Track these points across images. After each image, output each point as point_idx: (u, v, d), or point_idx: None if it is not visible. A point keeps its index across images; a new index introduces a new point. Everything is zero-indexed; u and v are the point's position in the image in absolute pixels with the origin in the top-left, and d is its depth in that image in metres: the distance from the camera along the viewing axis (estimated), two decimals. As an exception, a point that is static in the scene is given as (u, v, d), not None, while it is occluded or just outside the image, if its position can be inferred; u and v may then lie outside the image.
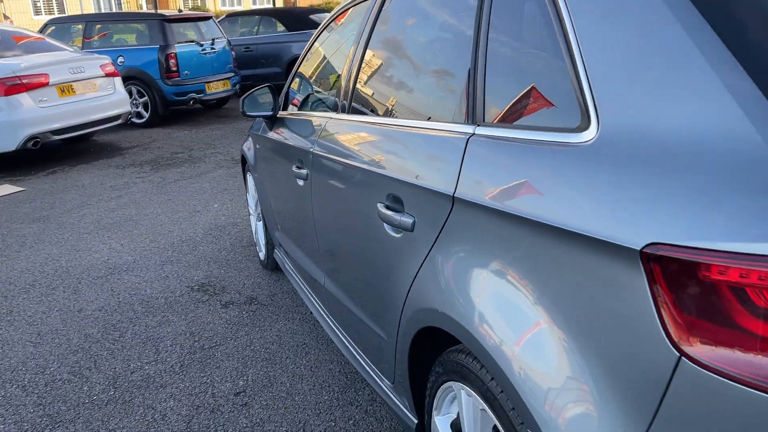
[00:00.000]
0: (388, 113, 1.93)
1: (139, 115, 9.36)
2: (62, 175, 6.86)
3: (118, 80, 7.80)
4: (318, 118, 2.48)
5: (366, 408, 2.53)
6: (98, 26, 9.50)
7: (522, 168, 1.23)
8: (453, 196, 1.40)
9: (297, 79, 3.05)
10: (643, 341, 0.94)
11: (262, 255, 4.02)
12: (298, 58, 3.11)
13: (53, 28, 9.69)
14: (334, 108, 2.34)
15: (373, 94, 2.07)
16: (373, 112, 2.03)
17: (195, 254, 4.38)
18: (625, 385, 0.97)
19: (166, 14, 9.25)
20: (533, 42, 1.35)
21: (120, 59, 9.04)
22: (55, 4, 29.86)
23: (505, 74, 1.41)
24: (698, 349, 0.87)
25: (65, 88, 7.06)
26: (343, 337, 2.42)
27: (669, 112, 0.99)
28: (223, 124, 9.46)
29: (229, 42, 9.95)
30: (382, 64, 2.06)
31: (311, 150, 2.39)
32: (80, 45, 9.36)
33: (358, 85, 2.16)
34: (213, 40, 9.51)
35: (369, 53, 2.13)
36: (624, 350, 0.97)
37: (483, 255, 1.31)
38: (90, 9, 29.26)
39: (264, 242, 3.87)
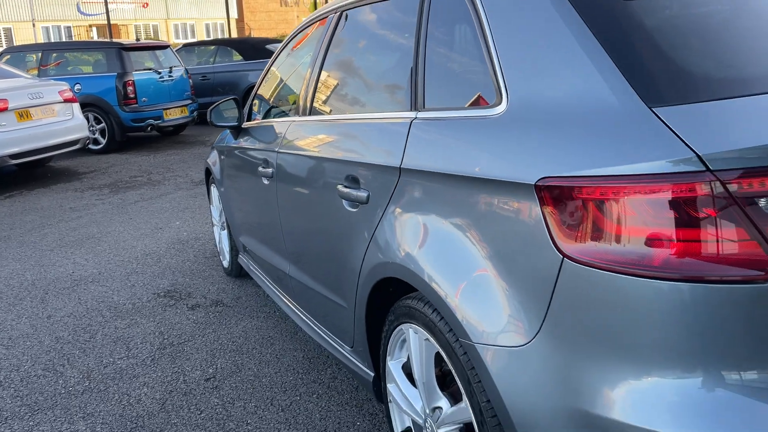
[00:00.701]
0: (344, 111, 2.24)
1: (96, 142, 9.46)
2: (20, 199, 6.92)
3: (76, 106, 7.92)
4: (281, 123, 2.77)
5: (328, 384, 2.78)
6: (54, 55, 9.61)
7: (451, 138, 1.55)
8: (400, 167, 1.71)
9: (261, 91, 3.34)
10: (538, 251, 1.25)
11: (226, 263, 4.24)
12: (254, 85, 3.40)
13: (8, 56, 9.75)
14: (297, 112, 2.63)
15: (331, 96, 2.38)
16: (332, 111, 2.34)
17: (159, 265, 4.56)
18: (528, 286, 1.28)
19: (124, 43, 9.44)
20: (460, 44, 1.69)
21: (77, 86, 9.16)
22: (3, 38, 29.53)
23: (439, 70, 1.74)
24: (575, 249, 1.19)
25: (23, 113, 7.16)
26: (307, 319, 2.67)
27: (555, 85, 1.32)
28: (181, 149, 9.63)
29: (186, 70, 10.18)
30: (338, 70, 2.38)
31: (276, 150, 2.67)
32: (36, 74, 9.44)
33: (318, 90, 2.47)
34: (171, 68, 9.73)
35: (327, 62, 2.44)
36: (525, 261, 1.28)
37: (424, 211, 1.61)
38: (39, 41, 29.00)
39: (228, 249, 4.10)
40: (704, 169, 1.07)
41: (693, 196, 1.08)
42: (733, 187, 1.06)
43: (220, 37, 34.02)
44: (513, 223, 1.33)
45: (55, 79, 8.71)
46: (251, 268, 3.59)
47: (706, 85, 1.18)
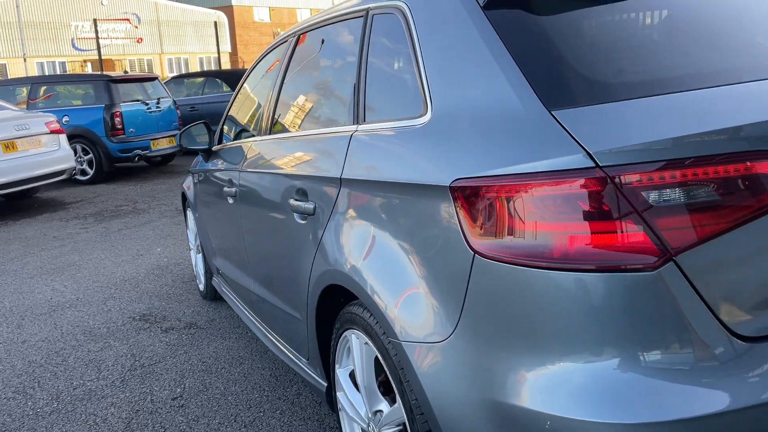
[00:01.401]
0: (299, 128, 2.32)
1: (83, 172, 9.54)
2: (5, 229, 6.96)
3: (63, 137, 8.02)
4: (245, 143, 2.85)
5: (292, 400, 2.81)
6: (43, 88, 9.75)
7: (383, 148, 1.63)
8: (340, 178, 1.78)
9: (230, 114, 3.43)
10: (454, 250, 1.31)
11: (201, 286, 4.28)
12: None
13: (-2, 90, 9.88)
14: (259, 132, 2.72)
15: (287, 115, 2.47)
16: (287, 130, 2.42)
17: (137, 291, 4.59)
18: (447, 284, 1.34)
19: (112, 75, 9.59)
20: (396, 64, 1.78)
21: (65, 119, 9.27)
22: (-3, 72, 29.81)
23: (378, 86, 1.83)
24: (484, 246, 1.25)
25: (9, 145, 7.25)
26: (269, 335, 2.72)
27: (473, 94, 1.40)
28: (167, 179, 9.71)
29: (174, 101, 10.33)
30: (294, 90, 2.47)
31: (239, 169, 2.74)
32: (25, 107, 9.57)
33: (277, 111, 2.55)
34: (158, 99, 9.87)
35: (286, 83, 2.54)
36: (444, 260, 1.34)
37: (360, 218, 1.68)
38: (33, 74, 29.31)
39: (203, 272, 4.14)
40: (594, 165, 1.14)
41: (585, 191, 1.14)
42: (620, 182, 1.13)
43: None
44: (433, 225, 1.39)
45: (44, 112, 8.82)
46: (223, 289, 3.63)
47: (601, 89, 1.26)
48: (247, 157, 2.70)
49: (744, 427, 1.10)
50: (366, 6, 1.96)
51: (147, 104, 9.67)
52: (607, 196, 1.13)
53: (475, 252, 1.26)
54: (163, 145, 9.81)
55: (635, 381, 1.12)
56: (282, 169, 2.27)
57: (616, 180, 1.13)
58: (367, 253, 1.62)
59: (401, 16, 1.73)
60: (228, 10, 40.33)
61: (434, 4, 1.62)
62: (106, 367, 3.33)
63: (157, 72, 32.57)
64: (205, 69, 36.73)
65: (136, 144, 9.41)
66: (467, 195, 1.29)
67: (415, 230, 1.46)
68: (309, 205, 1.96)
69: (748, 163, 1.13)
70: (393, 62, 1.79)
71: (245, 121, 3.14)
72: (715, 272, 1.14)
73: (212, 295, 4.17)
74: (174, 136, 10.04)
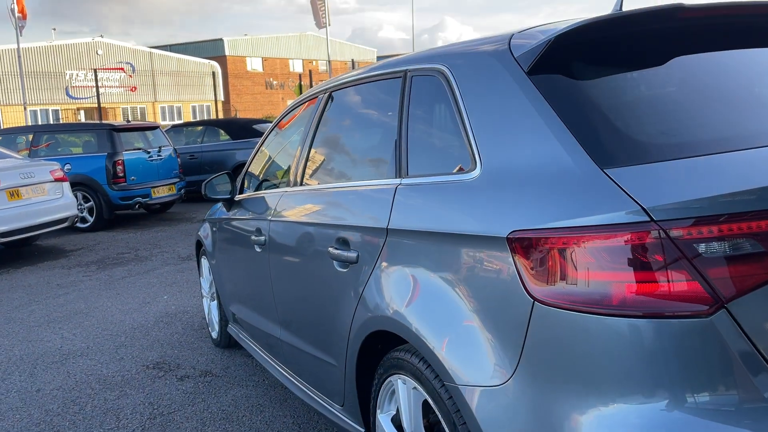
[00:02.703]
0: (334, 181, 2.43)
1: (83, 220, 9.57)
2: (6, 277, 6.95)
3: (66, 185, 8.09)
4: (273, 194, 2.95)
5: (318, 448, 2.83)
6: (45, 136, 9.86)
7: (433, 200, 1.73)
8: (387, 228, 1.88)
9: (253, 166, 3.54)
10: (512, 297, 1.40)
11: (215, 334, 4.31)
12: (242, 163, 3.64)
13: (0, 138, 9.98)
14: (288, 184, 2.82)
15: (321, 168, 2.58)
16: (322, 182, 2.53)
17: (148, 338, 4.60)
18: (505, 329, 1.42)
19: (115, 124, 9.74)
20: (438, 120, 1.90)
21: (67, 167, 9.35)
22: (-9, 120, 29.97)
23: (421, 142, 1.94)
24: (543, 293, 1.34)
25: (14, 192, 7.30)
26: (298, 382, 2.76)
27: (522, 152, 1.52)
28: (168, 226, 9.76)
29: (175, 150, 10.47)
30: (328, 144, 2.58)
31: (269, 218, 2.83)
32: (26, 154, 9.66)
33: (309, 163, 2.66)
34: (160, 147, 10.01)
35: (318, 137, 2.65)
36: (501, 306, 1.43)
37: (410, 266, 1.77)
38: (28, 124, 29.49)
39: (217, 320, 4.18)
40: (649, 219, 1.24)
41: (641, 243, 1.25)
42: (674, 234, 1.23)
43: (206, 118, 34.86)
44: (489, 273, 1.49)
45: (46, 160, 8.91)
46: (241, 336, 3.67)
47: (650, 149, 1.38)
48: (278, 207, 2.80)
49: None
50: (404, 68, 2.10)
51: (149, 152, 9.80)
52: (661, 248, 1.23)
53: (535, 299, 1.35)
54: (163, 192, 9.90)
55: (686, 422, 1.20)
56: (318, 219, 2.36)
57: (670, 233, 1.23)
58: (418, 299, 1.70)
59: (443, 78, 1.86)
60: (221, 60, 41.08)
61: (477, 69, 1.76)
62: (125, 416, 3.33)
63: (150, 120, 32.88)
64: (198, 117, 37.16)
65: (137, 192, 9.50)
66: (525, 246, 1.39)
67: (469, 279, 1.55)
68: (352, 254, 2.05)
69: (787, 218, 1.24)
70: (436, 120, 1.91)
71: (271, 174, 3.25)
72: (764, 319, 1.23)
73: (226, 343, 4.19)
74: (174, 184, 10.14)
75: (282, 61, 46.65)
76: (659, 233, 1.24)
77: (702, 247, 1.23)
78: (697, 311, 1.21)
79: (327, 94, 2.68)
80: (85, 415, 3.38)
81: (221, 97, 38.24)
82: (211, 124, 12.52)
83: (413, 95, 2.02)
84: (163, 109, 36.91)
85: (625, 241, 1.26)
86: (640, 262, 1.25)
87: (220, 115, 34.27)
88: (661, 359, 1.23)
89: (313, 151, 2.67)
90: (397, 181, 1.95)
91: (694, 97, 1.57)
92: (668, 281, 1.23)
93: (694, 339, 1.21)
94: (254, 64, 44.60)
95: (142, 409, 3.39)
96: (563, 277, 1.32)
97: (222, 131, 12.09)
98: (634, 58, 1.61)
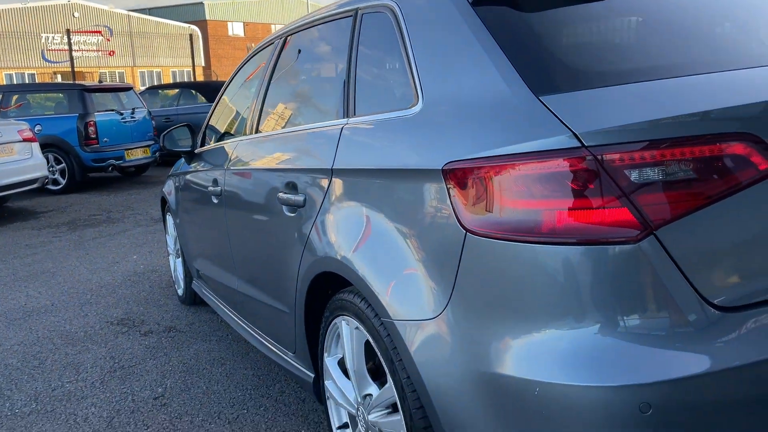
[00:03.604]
0: (286, 126, 2.38)
1: (55, 182, 9.41)
2: (-26, 237, 6.83)
3: (35, 145, 7.92)
4: (230, 144, 2.89)
5: (276, 398, 2.82)
6: (15, 96, 9.63)
7: (375, 138, 1.69)
8: (332, 168, 1.84)
9: (213, 118, 3.46)
10: (446, 229, 1.38)
11: (180, 291, 4.27)
12: None
13: (-32, 98, 9.73)
14: (244, 132, 2.76)
15: (275, 114, 2.52)
16: (276, 128, 2.47)
17: (114, 296, 4.56)
18: (439, 262, 1.40)
19: (87, 84, 9.52)
20: (386, 59, 1.85)
21: (38, 127, 9.16)
22: (-37, 83, 29.24)
23: (368, 81, 1.89)
24: (475, 223, 1.32)
25: (-19, 152, 7.14)
26: (254, 333, 2.74)
27: (463, 84, 1.48)
28: (142, 189, 9.63)
29: (149, 112, 10.28)
30: (281, 89, 2.52)
31: (224, 168, 2.78)
32: (-4, 115, 9.44)
33: (263, 110, 2.60)
34: (133, 109, 9.82)
35: (273, 83, 2.59)
36: (436, 239, 1.41)
37: (353, 205, 1.74)
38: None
39: (182, 277, 4.14)
40: (580, 145, 1.21)
41: (571, 170, 1.22)
42: (604, 161, 1.20)
43: (186, 84, 34.23)
44: (426, 207, 1.46)
45: (16, 120, 8.71)
46: (204, 291, 3.64)
47: (583, 77, 1.34)
48: (233, 156, 2.74)
49: (714, 390, 1.17)
50: (355, 6, 2.03)
51: (122, 114, 9.61)
52: (592, 174, 1.21)
53: (467, 230, 1.33)
54: (137, 155, 9.75)
55: (615, 346, 1.19)
56: (270, 165, 2.32)
57: (601, 159, 1.20)
58: (360, 238, 1.67)
59: (391, 14, 1.80)
60: (202, 25, 40.27)
61: (424, 3, 1.70)
62: (84, 369, 3.30)
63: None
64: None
65: (110, 154, 9.34)
66: (459, 177, 1.35)
67: (407, 214, 1.52)
68: (299, 197, 2.01)
69: (721, 145, 1.22)
70: (383, 58, 1.86)
71: (230, 123, 3.18)
72: (692, 246, 1.21)
73: (191, 300, 4.16)
74: (149, 146, 9.98)
75: (264, 26, 45.85)
76: (590, 159, 1.21)
77: (632, 174, 1.20)
78: (627, 237, 1.19)
79: (282, 39, 2.61)
80: (45, 368, 3.34)
81: (201, 62, 37.58)
82: (187, 87, 12.29)
83: (362, 34, 1.96)
84: (142, 74, 36.24)
85: (556, 168, 1.23)
86: (570, 189, 1.22)
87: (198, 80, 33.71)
88: (591, 285, 1.21)
89: (268, 97, 2.60)
90: (344, 121, 1.91)
91: (632, 26, 1.53)
92: (598, 208, 1.21)
93: (623, 265, 1.20)
94: (236, 29, 43.80)
95: (103, 363, 3.37)
96: (495, 207, 1.30)
97: (198, 94, 11.88)
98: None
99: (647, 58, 1.42)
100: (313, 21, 2.36)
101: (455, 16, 1.56)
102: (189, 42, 31.07)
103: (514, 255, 1.26)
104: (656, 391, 1.14)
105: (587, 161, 1.21)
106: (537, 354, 1.24)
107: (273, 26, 46.41)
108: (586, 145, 1.21)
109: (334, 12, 2.18)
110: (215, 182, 2.90)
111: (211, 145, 3.25)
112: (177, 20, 38.90)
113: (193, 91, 12.02)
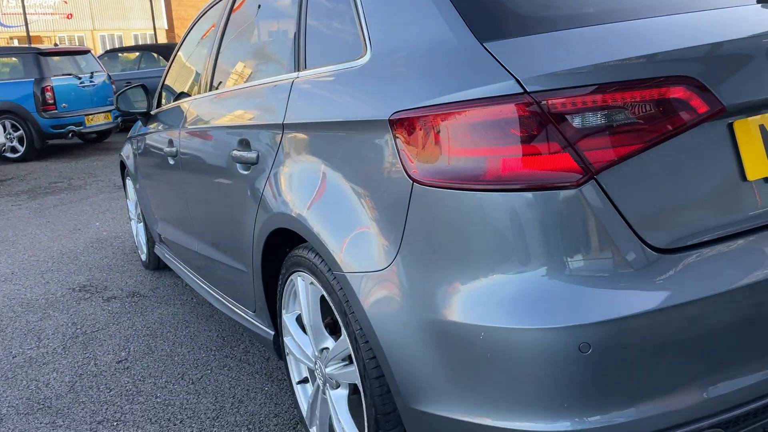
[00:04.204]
0: (239, 82, 2.33)
1: (13, 150, 9.16)
2: (-71, 207, 6.64)
3: (-10, 112, 7.67)
4: (185, 103, 2.82)
5: (240, 357, 2.83)
6: (-34, 61, 9.27)
7: (324, 90, 1.66)
8: (282, 123, 1.81)
9: (169, 77, 3.37)
10: (394, 180, 1.37)
11: (143, 256, 4.22)
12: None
13: None
14: (198, 91, 2.70)
15: (227, 70, 2.47)
16: (228, 84, 2.42)
17: (76, 263, 4.49)
18: (388, 213, 1.40)
19: (41, 47, 9.19)
20: (334, 12, 1.81)
21: (-9, 93, 8.87)
22: None
23: (317, 36, 1.86)
24: (421, 173, 1.31)
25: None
26: (215, 294, 2.73)
27: (410, 33, 1.46)
28: (104, 155, 9.43)
29: (109, 76, 9.99)
30: (233, 45, 2.46)
31: (179, 128, 2.72)
32: (-54, 80, 9.09)
33: (216, 67, 2.54)
34: (92, 73, 9.53)
35: (225, 40, 2.53)
36: (385, 191, 1.40)
37: (305, 160, 1.72)
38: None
39: (145, 241, 4.09)
40: (522, 91, 1.21)
41: (513, 116, 1.22)
42: (546, 106, 1.20)
43: (149, 47, 33.29)
44: (374, 160, 1.45)
45: (-33, 86, 8.41)
46: (166, 255, 3.60)
47: (528, 22, 1.33)
48: (188, 116, 2.69)
49: (651, 330, 1.20)
50: (304, -43, 1.98)
51: (80, 78, 9.33)
52: (533, 120, 1.21)
53: (413, 180, 1.32)
54: (98, 120, 9.51)
55: (555, 289, 1.21)
56: (223, 122, 2.28)
57: (542, 104, 1.20)
58: (312, 193, 1.66)
59: None
60: (163, -14, 38.93)
61: None
62: (46, 336, 3.26)
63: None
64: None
65: (70, 120, 9.09)
66: (405, 126, 1.34)
67: (357, 167, 1.50)
68: (252, 154, 1.98)
69: (661, 89, 1.22)
70: (332, 10, 1.82)
71: (184, 82, 3.11)
72: (632, 190, 1.23)
73: (155, 264, 4.12)
74: (110, 111, 9.74)
75: (228, -14, 44.53)
76: (532, 105, 1.20)
77: (574, 119, 1.20)
78: (569, 182, 1.20)
79: (233, -6, 2.54)
80: (5, 336, 3.30)
81: (164, 25, 36.50)
82: (148, 50, 11.95)
83: (312, -7, 1.91)
84: (103, 37, 35.08)
85: (498, 114, 1.22)
86: (513, 136, 1.22)
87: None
88: (534, 231, 1.22)
89: (220, 55, 2.54)
90: (294, 75, 1.87)
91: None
92: (540, 154, 1.21)
93: (564, 209, 1.21)
94: (199, -10, 42.47)
95: (65, 329, 3.33)
96: (440, 156, 1.29)
97: (160, 57, 11.57)
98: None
99: (590, 3, 1.41)
100: (263, -26, 2.29)
101: None
102: (155, 4, 30.10)
103: (460, 203, 1.26)
104: (595, 331, 1.16)
105: (529, 107, 1.21)
106: (482, 299, 1.25)
107: (237, -13, 45.14)
108: (528, 90, 1.21)
109: (284, -36, 2.13)
110: (170, 143, 2.85)
111: (167, 105, 3.18)
112: (137, -19, 37.54)
113: (155, 54, 11.70)
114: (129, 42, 35.94)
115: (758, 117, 1.33)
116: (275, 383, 2.57)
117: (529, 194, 1.21)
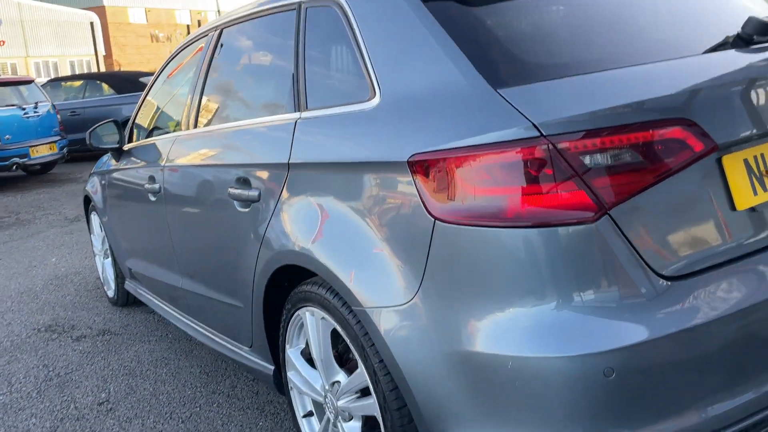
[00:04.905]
0: (230, 120, 2.36)
1: (-48, 184, 8.76)
2: None
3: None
4: (166, 139, 2.82)
5: (228, 393, 2.82)
6: None
7: (334, 131, 1.73)
8: (288, 163, 1.86)
9: (141, 113, 3.36)
10: (414, 218, 1.44)
11: (111, 292, 4.13)
12: (128, 119, 3.45)
13: None
14: (181, 128, 2.70)
15: (215, 108, 2.49)
16: (217, 122, 2.45)
17: (37, 302, 4.35)
18: (408, 249, 1.46)
19: (-18, 78, 8.89)
20: (336, 52, 1.88)
21: (-72, 126, 8.50)
22: None
23: (318, 75, 1.92)
24: (443, 211, 1.39)
25: None
26: (202, 329, 2.71)
27: (419, 78, 1.54)
28: (51, 188, 9.14)
29: (53, 105, 9.73)
30: (221, 83, 2.49)
31: (162, 165, 2.72)
32: None
33: (202, 105, 2.56)
34: (36, 103, 9.27)
35: (210, 77, 2.55)
36: (404, 228, 1.47)
37: (315, 199, 1.77)
38: None
39: (113, 277, 4.00)
40: (539, 134, 1.30)
41: (532, 157, 1.31)
42: (562, 148, 1.30)
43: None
44: (391, 198, 1.51)
45: None
46: (140, 291, 3.54)
47: (538, 69, 1.44)
48: (171, 152, 2.69)
49: (667, 352, 1.30)
50: (298, 0, 2.05)
51: (24, 109, 9.05)
52: (550, 161, 1.30)
53: (435, 218, 1.40)
54: (43, 152, 9.23)
55: (579, 318, 1.30)
56: (215, 160, 2.30)
57: (558, 147, 1.30)
58: (324, 230, 1.71)
59: (339, 9, 1.83)
60: (100, 11, 38.18)
61: None
62: (17, 380, 3.15)
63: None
64: (78, 73, 34.57)
65: (14, 152, 8.80)
66: (425, 168, 1.42)
67: (372, 204, 1.57)
68: (253, 192, 2.01)
69: (662, 130, 1.34)
70: (333, 52, 1.89)
71: (162, 118, 3.10)
72: (641, 223, 1.34)
73: (124, 301, 4.04)
74: (55, 142, 9.47)
75: (167, 11, 44.04)
76: (549, 147, 1.30)
77: (587, 159, 1.31)
78: (584, 218, 1.30)
79: (217, 32, 2.57)
80: (-28, 383, 3.17)
81: (102, 50, 35.71)
82: (92, 78, 11.70)
83: (309, 27, 1.97)
84: (37, 64, 34.00)
85: (518, 156, 1.31)
86: (531, 176, 1.31)
87: (102, 70, 32.07)
88: (552, 264, 1.31)
89: (206, 91, 2.56)
90: (296, 115, 1.92)
91: (578, 21, 1.64)
92: (558, 192, 1.30)
93: (581, 244, 1.30)
94: (137, 16, 41.82)
95: (36, 372, 3.23)
96: (462, 195, 1.37)
97: (105, 85, 11.34)
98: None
99: (592, 50, 1.54)
100: (251, 14, 2.34)
101: (407, 12, 1.62)
102: (87, 30, 29.44)
103: (482, 240, 1.34)
104: (618, 356, 1.26)
105: (546, 149, 1.30)
106: (508, 330, 1.33)
107: (177, 12, 44.69)
108: (544, 134, 1.30)
109: (274, 5, 2.18)
110: (152, 179, 2.83)
111: (143, 141, 3.16)
112: (72, 6, 36.69)
113: (100, 82, 11.46)
114: (65, 68, 34.96)
115: (741, 152, 1.47)
116: (269, 418, 2.57)
117: (548, 230, 1.31)
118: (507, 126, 1.33)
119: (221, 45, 2.54)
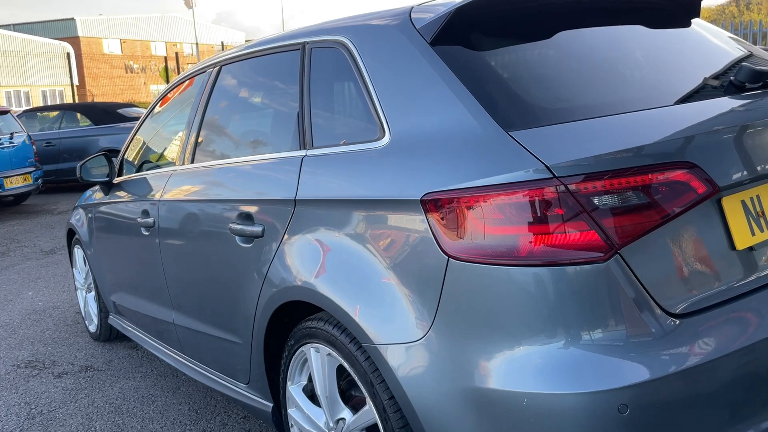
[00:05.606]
0: (229, 156, 2.38)
1: None
2: None
3: None
4: (161, 173, 2.82)
5: (219, 431, 2.77)
6: None
7: (343, 169, 1.76)
8: (294, 199, 1.88)
9: (132, 147, 3.35)
10: (427, 255, 1.47)
11: (93, 327, 4.05)
12: (108, 151, 3.45)
13: None
14: (178, 162, 2.71)
15: (214, 144, 2.51)
16: (216, 158, 2.46)
17: (15, 337, 4.24)
18: (421, 286, 1.49)
19: (-43, 108, 8.76)
20: (342, 91, 1.92)
21: None
22: None
23: (324, 113, 1.96)
24: (457, 249, 1.42)
25: None
26: (194, 366, 2.68)
27: (429, 119, 1.58)
28: (25, 219, 8.97)
29: (29, 136, 9.61)
30: (221, 119, 2.52)
31: (158, 199, 2.71)
32: None
33: (200, 140, 2.58)
34: (11, 134, 9.15)
35: (209, 112, 2.57)
36: (417, 265, 1.50)
37: (322, 235, 1.79)
38: None
39: (96, 312, 3.93)
40: (551, 176, 1.35)
41: (544, 198, 1.35)
42: (573, 189, 1.35)
43: (59, 103, 32.19)
44: (403, 235, 1.54)
45: None
46: (125, 326, 3.49)
47: (547, 113, 1.49)
48: (167, 186, 2.69)
49: (680, 388, 1.34)
50: (303, 40, 2.09)
51: (-2, 139, 8.92)
52: (562, 202, 1.35)
53: (449, 255, 1.43)
54: (17, 183, 9.08)
55: (594, 355, 1.33)
56: (215, 195, 2.31)
57: (570, 188, 1.35)
58: (332, 265, 1.72)
59: (345, 50, 1.88)
60: (74, 41, 38.07)
61: (380, 40, 1.80)
62: (-2, 419, 3.06)
63: (-7, 106, 29.81)
64: (50, 103, 34.23)
65: (-13, 182, 8.63)
66: (438, 207, 1.45)
67: (383, 242, 1.59)
68: (256, 228, 2.03)
69: (667, 173, 1.40)
70: (339, 91, 1.93)
71: (156, 152, 3.10)
72: (650, 262, 1.38)
73: (107, 336, 3.96)
74: (30, 173, 9.33)
75: (143, 43, 44.09)
76: (560, 188, 1.35)
77: (598, 200, 1.36)
78: (595, 257, 1.34)
79: (217, 69, 2.60)
80: (-51, 422, 3.06)
81: (75, 81, 35.47)
82: (69, 109, 11.60)
83: (314, 67, 2.02)
84: (8, 94, 33.63)
85: (531, 197, 1.36)
86: (544, 216, 1.36)
87: (76, 101, 31.81)
88: (563, 303, 1.34)
89: (204, 127, 2.58)
90: (302, 152, 1.95)
91: (582, 67, 1.71)
92: (569, 232, 1.35)
93: (592, 282, 1.34)
94: (112, 47, 41.77)
95: (18, 410, 3.14)
96: (476, 233, 1.41)
97: (82, 116, 11.25)
98: (530, 29, 1.73)
99: (598, 95, 1.60)
100: (252, 52, 2.38)
101: (415, 54, 1.67)
102: (62, 60, 29.25)
103: (496, 277, 1.38)
104: (632, 392, 1.29)
105: (558, 190, 1.35)
106: (523, 367, 1.36)
107: (153, 44, 44.73)
108: (557, 175, 1.35)
109: (279, 44, 2.23)
110: (146, 213, 2.82)
111: (135, 174, 3.16)
112: (47, 37, 36.51)
113: (76, 113, 11.36)
114: (36, 98, 34.62)
115: (739, 194, 1.54)
116: (263, 456, 2.54)
117: (560, 269, 1.34)
118: (520, 167, 1.37)
119: (221, 81, 2.57)
